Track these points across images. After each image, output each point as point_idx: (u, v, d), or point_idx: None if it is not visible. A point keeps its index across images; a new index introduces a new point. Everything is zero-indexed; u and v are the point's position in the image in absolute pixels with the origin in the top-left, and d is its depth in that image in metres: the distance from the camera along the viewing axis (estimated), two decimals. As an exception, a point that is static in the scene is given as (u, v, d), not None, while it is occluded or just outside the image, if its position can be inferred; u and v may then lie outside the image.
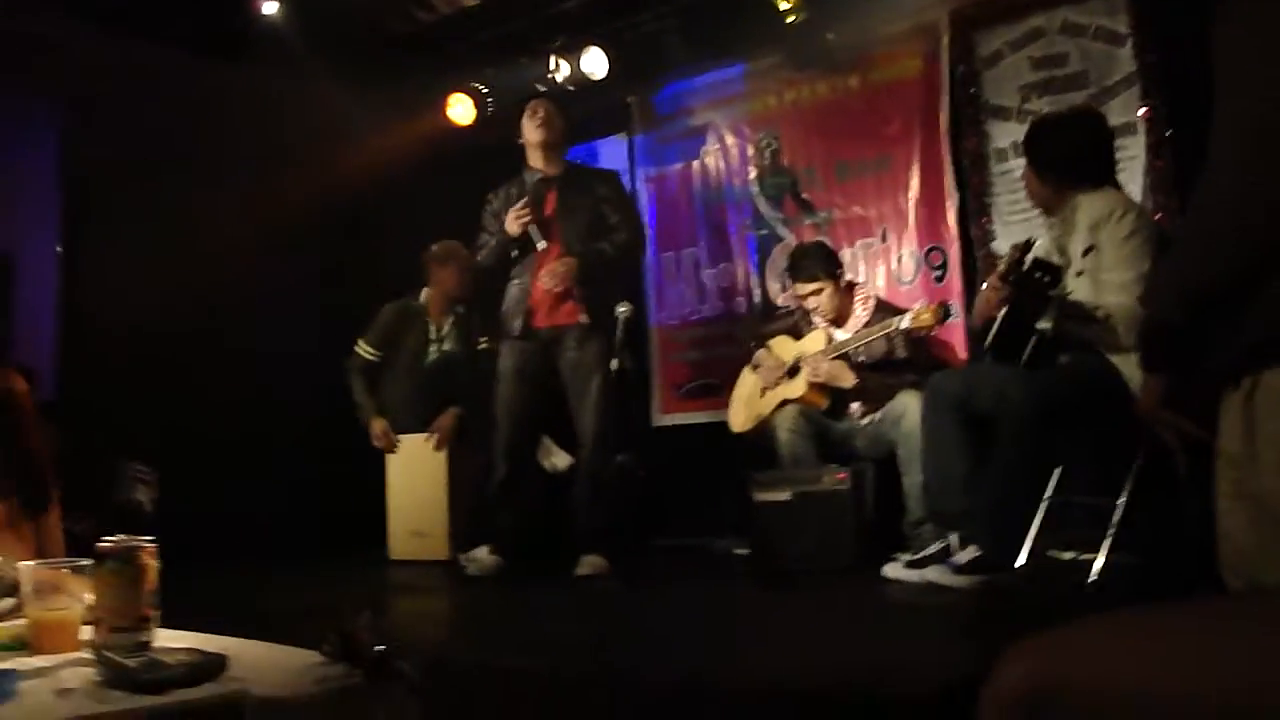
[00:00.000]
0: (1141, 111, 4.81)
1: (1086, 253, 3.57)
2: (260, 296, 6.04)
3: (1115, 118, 4.84)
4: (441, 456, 5.37)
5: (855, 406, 4.68)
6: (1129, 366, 3.43)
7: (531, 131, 4.82)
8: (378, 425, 5.55)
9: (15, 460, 3.85)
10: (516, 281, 4.81)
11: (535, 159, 4.88)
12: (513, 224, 4.68)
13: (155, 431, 5.34)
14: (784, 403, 4.71)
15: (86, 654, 1.67)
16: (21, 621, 1.90)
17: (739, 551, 4.84)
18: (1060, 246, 3.72)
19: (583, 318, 4.64)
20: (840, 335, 4.74)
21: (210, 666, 1.49)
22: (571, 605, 4.01)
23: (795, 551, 4.26)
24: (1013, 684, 1.01)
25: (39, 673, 1.58)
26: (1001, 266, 3.82)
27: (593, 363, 4.64)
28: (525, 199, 4.73)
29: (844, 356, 4.62)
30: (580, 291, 4.64)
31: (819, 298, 4.77)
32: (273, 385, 5.81)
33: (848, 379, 4.57)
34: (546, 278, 4.62)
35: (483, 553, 4.82)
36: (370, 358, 5.66)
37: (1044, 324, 3.50)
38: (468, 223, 5.10)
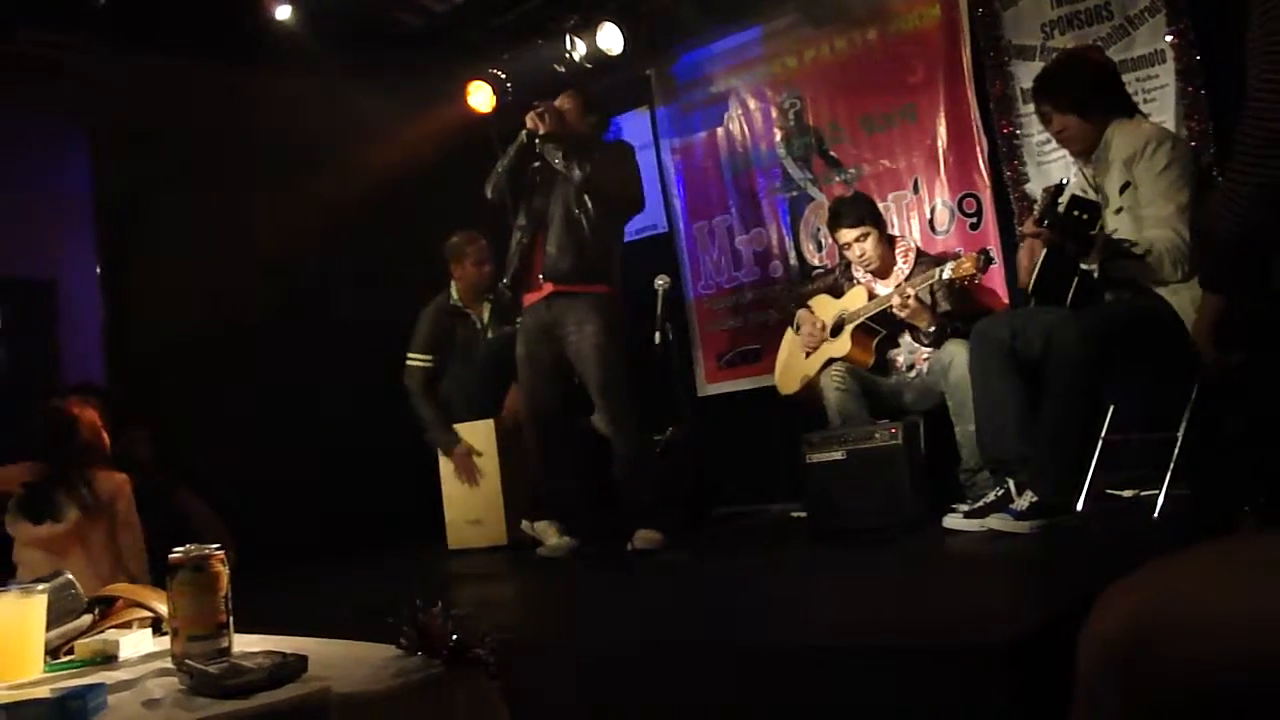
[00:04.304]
0: (1169, 38, 4.73)
1: (1124, 189, 3.53)
2: (300, 298, 6.09)
3: (1142, 47, 4.80)
4: (493, 443, 5.38)
5: (901, 360, 4.65)
6: (1177, 299, 3.39)
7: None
8: (460, 454, 5.46)
9: (78, 481, 3.97)
10: (518, 234, 4.81)
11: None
12: (532, 118, 4.67)
13: (208, 443, 5.41)
14: (829, 362, 4.69)
15: (168, 663, 1.70)
16: (101, 637, 1.94)
17: (796, 514, 4.84)
18: (1097, 185, 3.68)
19: (571, 317, 4.64)
20: (882, 290, 4.70)
21: (291, 668, 1.50)
22: (635, 580, 4.03)
23: (853, 510, 4.24)
24: (1118, 622, 1.00)
25: (125, 685, 1.61)
26: (1036, 211, 3.79)
27: (592, 345, 4.61)
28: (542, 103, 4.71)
29: (919, 299, 4.52)
30: (556, 270, 4.67)
31: (864, 244, 4.67)
32: (320, 386, 5.86)
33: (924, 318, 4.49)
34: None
35: (548, 529, 4.80)
36: (425, 364, 5.59)
37: (1089, 264, 3.45)
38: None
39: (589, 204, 4.64)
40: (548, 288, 4.69)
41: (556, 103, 4.77)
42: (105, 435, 4.24)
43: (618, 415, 4.62)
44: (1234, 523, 2.95)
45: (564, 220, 4.67)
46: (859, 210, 4.72)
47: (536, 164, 4.80)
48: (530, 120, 4.67)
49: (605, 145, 5.04)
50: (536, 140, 4.67)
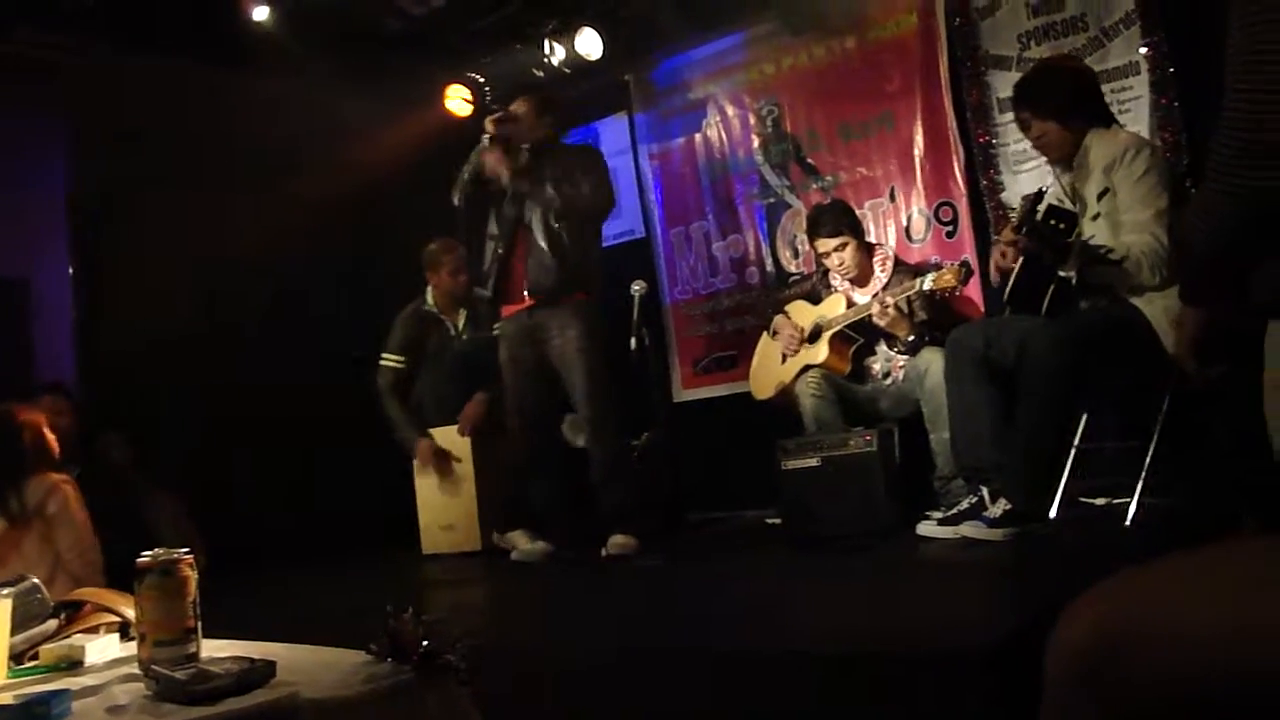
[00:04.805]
0: (1143, 50, 4.77)
1: (1102, 196, 3.55)
2: (276, 300, 6.06)
3: (1117, 58, 4.83)
4: (467, 448, 5.37)
5: (877, 368, 4.67)
6: (1151, 308, 3.41)
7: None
8: (424, 447, 5.44)
9: (7, 489, 3.95)
10: (492, 244, 4.79)
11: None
12: (490, 125, 4.64)
13: (180, 444, 5.38)
14: (805, 368, 4.69)
15: (135, 669, 1.68)
16: (67, 642, 1.92)
17: (771, 520, 4.84)
18: (1075, 192, 3.70)
19: (526, 295, 4.65)
20: (860, 298, 4.71)
21: (259, 673, 1.49)
22: (609, 585, 4.02)
23: (827, 516, 4.25)
24: (1083, 632, 1.00)
25: (90, 691, 1.59)
26: (1014, 219, 3.81)
27: (575, 349, 4.60)
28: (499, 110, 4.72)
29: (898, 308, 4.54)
30: (536, 279, 4.65)
31: (843, 254, 4.68)
32: (294, 389, 5.83)
33: (903, 327, 4.51)
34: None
35: (521, 537, 4.80)
36: (398, 365, 5.57)
37: (1067, 271, 3.47)
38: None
39: (562, 209, 4.62)
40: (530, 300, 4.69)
41: (511, 108, 4.76)
42: (51, 439, 4.19)
43: (600, 419, 4.62)
44: (1222, 533, 2.97)
45: (544, 232, 4.63)
46: (837, 220, 4.73)
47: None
48: (488, 126, 4.65)
49: (569, 148, 5.05)
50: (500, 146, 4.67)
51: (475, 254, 4.98)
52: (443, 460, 5.43)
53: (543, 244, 4.63)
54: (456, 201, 4.83)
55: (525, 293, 4.68)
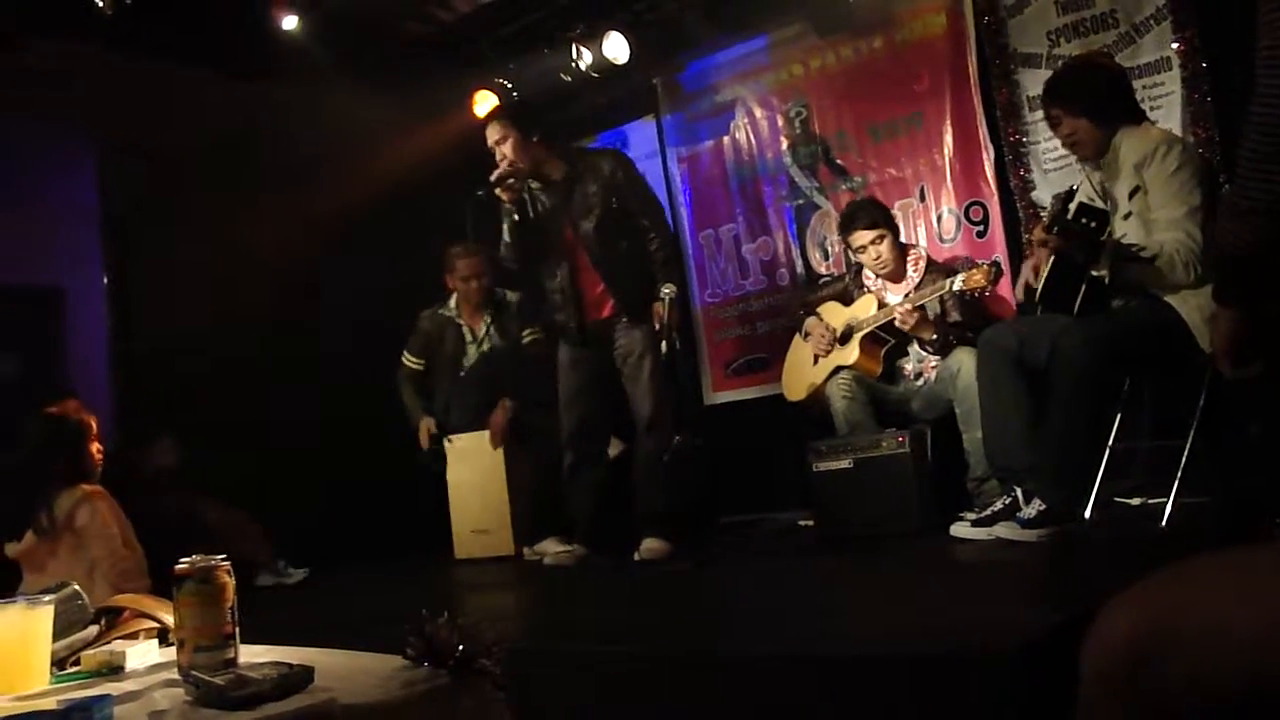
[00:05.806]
0: (1175, 45, 4.73)
1: (1133, 194, 3.53)
2: (308, 307, 6.09)
3: (1148, 54, 4.80)
4: (499, 453, 5.38)
5: (909, 368, 4.65)
6: (1185, 306, 3.39)
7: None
8: (425, 425, 5.55)
9: (39, 502, 3.99)
10: (551, 284, 4.77)
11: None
12: (504, 193, 4.60)
13: (214, 451, 5.42)
14: (836, 370, 4.68)
15: (175, 674, 1.70)
16: (108, 648, 1.94)
17: (803, 523, 4.83)
18: (1105, 190, 3.67)
19: (623, 319, 4.66)
20: (893, 298, 4.69)
21: (298, 678, 1.50)
22: (644, 589, 4.02)
23: (860, 518, 4.25)
24: (1119, 632, 1.00)
25: (131, 696, 1.61)
26: (1045, 218, 3.79)
27: (641, 348, 4.62)
28: (499, 172, 4.60)
29: (921, 309, 4.53)
30: (613, 289, 4.67)
31: (880, 246, 4.66)
32: (326, 394, 5.86)
33: (927, 330, 4.50)
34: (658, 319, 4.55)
35: (551, 544, 4.82)
36: (416, 367, 5.67)
37: (1099, 270, 3.45)
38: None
39: (608, 215, 4.62)
40: (608, 311, 4.71)
41: (500, 157, 4.62)
42: (95, 448, 4.24)
43: (658, 415, 4.62)
44: (1259, 533, 2.95)
45: (603, 249, 4.62)
46: (873, 213, 4.73)
47: (531, 214, 4.73)
48: (504, 195, 4.59)
49: (585, 154, 5.03)
50: (526, 200, 4.67)
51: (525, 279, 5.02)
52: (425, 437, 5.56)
53: (611, 262, 4.64)
54: (507, 264, 4.84)
55: (624, 317, 4.66)
